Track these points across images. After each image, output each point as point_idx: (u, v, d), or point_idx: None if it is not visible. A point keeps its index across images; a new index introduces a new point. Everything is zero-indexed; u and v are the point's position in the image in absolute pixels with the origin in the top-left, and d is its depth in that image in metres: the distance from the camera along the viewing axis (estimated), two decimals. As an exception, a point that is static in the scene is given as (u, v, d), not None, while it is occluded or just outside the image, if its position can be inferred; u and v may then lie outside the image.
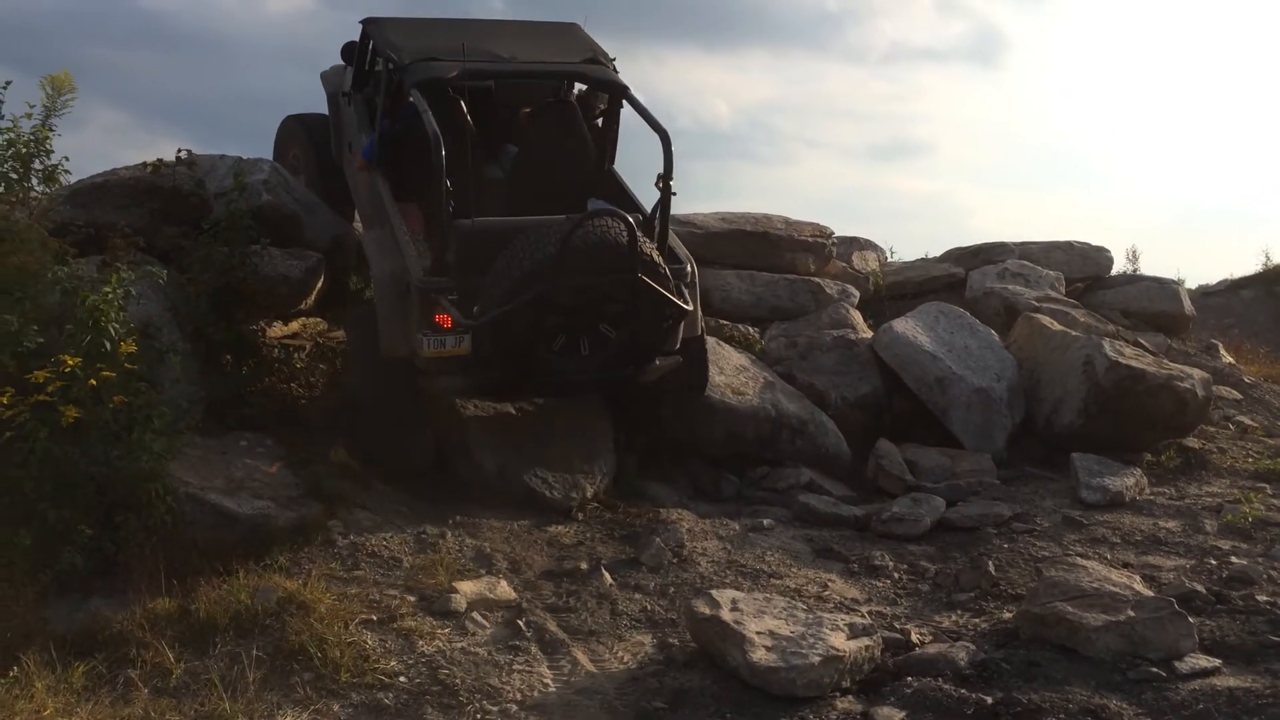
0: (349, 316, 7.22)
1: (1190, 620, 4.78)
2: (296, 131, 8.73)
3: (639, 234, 5.99)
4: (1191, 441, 8.04)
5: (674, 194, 6.44)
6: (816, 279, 9.61)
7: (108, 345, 5.08)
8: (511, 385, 6.43)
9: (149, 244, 6.68)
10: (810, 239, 9.93)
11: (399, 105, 6.91)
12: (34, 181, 6.50)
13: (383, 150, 6.93)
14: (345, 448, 6.32)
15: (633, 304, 6.08)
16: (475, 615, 4.98)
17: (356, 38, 7.62)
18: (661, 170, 6.42)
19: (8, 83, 6.38)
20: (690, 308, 6.45)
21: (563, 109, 7.38)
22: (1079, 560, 5.72)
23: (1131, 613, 4.75)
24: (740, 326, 8.83)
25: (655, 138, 6.50)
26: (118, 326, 5.17)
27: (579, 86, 7.68)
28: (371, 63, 7.48)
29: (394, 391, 6.30)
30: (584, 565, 5.66)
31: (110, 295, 5.21)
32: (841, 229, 10.55)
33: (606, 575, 5.55)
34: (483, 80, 6.99)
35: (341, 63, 8.00)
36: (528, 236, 5.96)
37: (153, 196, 7.10)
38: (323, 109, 8.58)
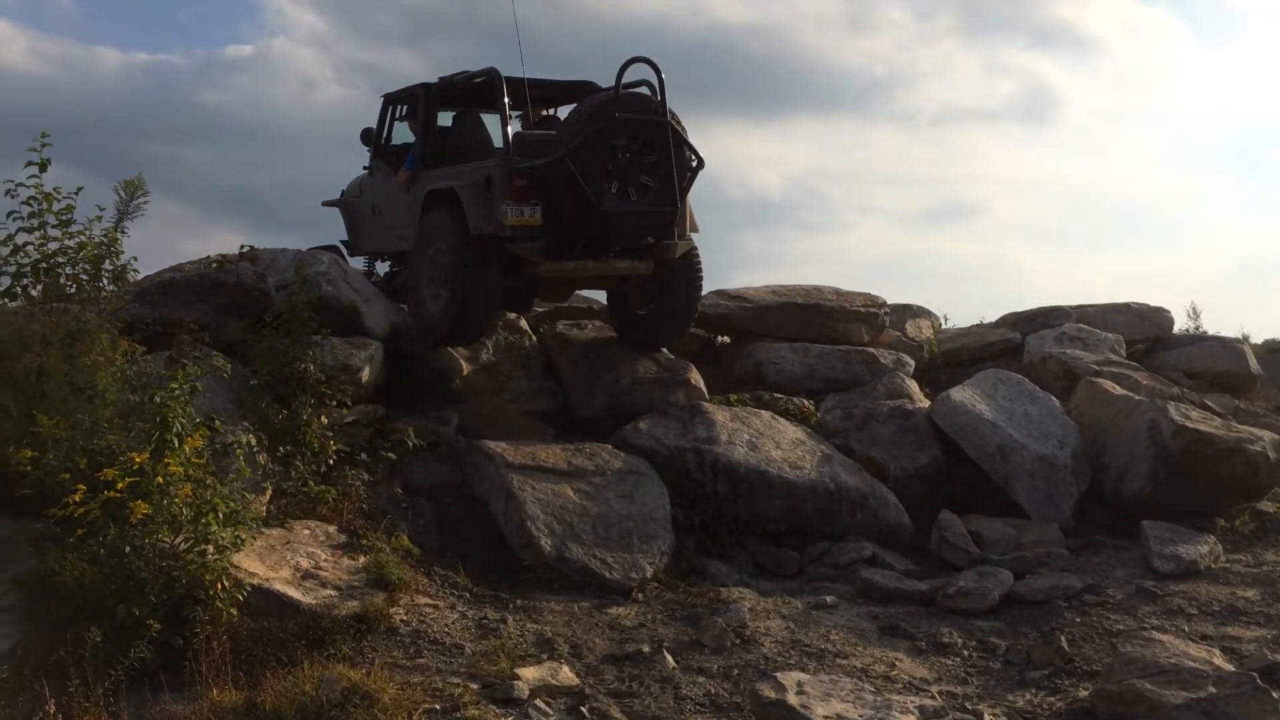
0: (436, 217, 8.30)
1: (1274, 695, 4.63)
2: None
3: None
4: (1266, 505, 7.83)
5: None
6: (870, 349, 9.57)
7: (175, 440, 5.20)
8: (581, 236, 7.84)
9: (214, 338, 6.89)
10: (862, 309, 9.92)
11: (432, 126, 8.89)
12: (104, 281, 6.74)
13: (421, 163, 8.73)
14: (407, 534, 6.36)
15: (664, 147, 7.76)
16: (538, 702, 4.93)
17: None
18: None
19: (79, 189, 6.65)
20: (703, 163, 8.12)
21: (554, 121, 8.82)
22: (1155, 634, 5.56)
23: (1213, 689, 4.62)
24: (795, 399, 8.79)
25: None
26: (184, 422, 5.30)
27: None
28: (390, 132, 9.44)
29: (477, 264, 7.85)
30: (645, 648, 5.61)
31: (177, 391, 5.35)
32: (895, 293, 10.59)
33: (669, 658, 5.50)
34: (501, 84, 8.40)
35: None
36: (586, 99, 7.94)
37: (217, 292, 7.32)
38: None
